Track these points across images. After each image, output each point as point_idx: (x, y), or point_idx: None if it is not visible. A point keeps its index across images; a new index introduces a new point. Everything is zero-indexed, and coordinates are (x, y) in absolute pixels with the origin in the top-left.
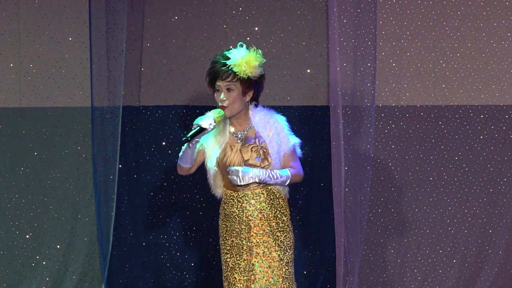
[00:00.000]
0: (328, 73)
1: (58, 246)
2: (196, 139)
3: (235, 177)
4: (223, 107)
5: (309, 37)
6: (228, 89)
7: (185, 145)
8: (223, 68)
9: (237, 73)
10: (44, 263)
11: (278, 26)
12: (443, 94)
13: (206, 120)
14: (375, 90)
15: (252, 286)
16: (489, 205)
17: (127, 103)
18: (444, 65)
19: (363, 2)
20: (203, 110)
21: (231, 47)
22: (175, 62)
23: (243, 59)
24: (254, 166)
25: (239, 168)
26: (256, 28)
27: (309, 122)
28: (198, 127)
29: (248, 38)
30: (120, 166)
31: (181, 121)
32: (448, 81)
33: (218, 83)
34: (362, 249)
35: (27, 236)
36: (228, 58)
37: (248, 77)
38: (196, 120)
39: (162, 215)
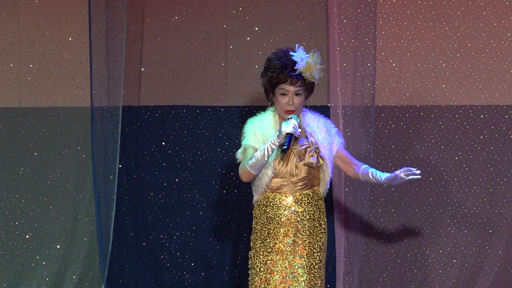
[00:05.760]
0: (328, 73)
1: (58, 246)
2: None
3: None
4: (291, 111)
5: (309, 37)
6: (297, 94)
7: (271, 154)
8: (292, 73)
9: (305, 78)
10: (44, 263)
11: (278, 26)
12: (443, 94)
13: (289, 126)
14: (375, 90)
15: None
16: (489, 205)
17: (127, 103)
18: (444, 65)
19: (363, 2)
20: (203, 110)
21: (289, 49)
22: (175, 62)
23: (310, 64)
24: (310, 166)
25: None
26: (256, 28)
27: None
28: (287, 135)
29: (248, 38)
30: (120, 166)
31: (181, 121)
32: (448, 81)
33: (286, 88)
34: (362, 249)
35: (27, 236)
36: (295, 62)
37: (312, 81)
38: (283, 129)
39: (162, 215)
